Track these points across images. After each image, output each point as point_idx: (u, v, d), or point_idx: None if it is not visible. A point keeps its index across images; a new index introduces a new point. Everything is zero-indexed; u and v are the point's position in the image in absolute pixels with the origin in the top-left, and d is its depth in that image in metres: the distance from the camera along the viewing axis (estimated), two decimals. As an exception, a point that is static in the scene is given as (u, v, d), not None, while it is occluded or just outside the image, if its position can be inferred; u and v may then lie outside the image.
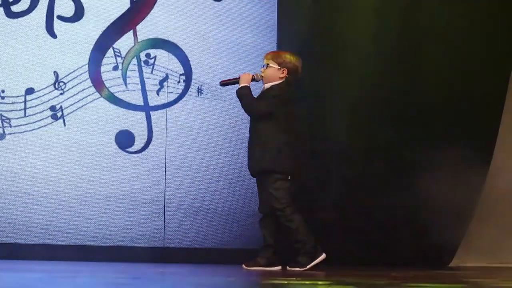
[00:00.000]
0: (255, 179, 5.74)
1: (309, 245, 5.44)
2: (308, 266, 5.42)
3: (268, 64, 5.64)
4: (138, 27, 6.81)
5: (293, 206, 5.48)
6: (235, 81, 5.65)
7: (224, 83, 5.74)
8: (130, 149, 6.72)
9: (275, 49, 7.04)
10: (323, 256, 5.45)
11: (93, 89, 6.65)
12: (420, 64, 7.26)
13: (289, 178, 5.54)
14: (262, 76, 5.65)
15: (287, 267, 5.50)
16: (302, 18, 7.17)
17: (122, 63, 6.75)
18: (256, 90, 5.78)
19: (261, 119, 5.56)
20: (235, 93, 5.74)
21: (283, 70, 5.62)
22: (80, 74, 6.62)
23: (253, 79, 5.64)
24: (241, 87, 5.58)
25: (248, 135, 5.72)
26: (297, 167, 5.64)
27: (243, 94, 5.57)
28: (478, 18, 7.09)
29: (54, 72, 6.57)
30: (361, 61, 7.16)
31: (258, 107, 5.55)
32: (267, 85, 5.63)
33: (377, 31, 7.22)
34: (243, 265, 5.57)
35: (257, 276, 4.83)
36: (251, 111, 5.59)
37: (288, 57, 5.67)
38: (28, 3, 6.55)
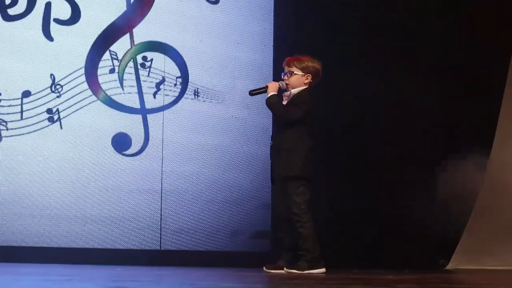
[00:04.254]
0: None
1: (312, 256, 5.45)
2: (305, 272, 5.41)
3: (292, 72, 5.63)
4: (134, 30, 6.81)
5: (309, 213, 5.49)
6: (264, 90, 5.66)
7: (253, 93, 5.75)
8: (126, 152, 6.72)
9: (272, 52, 7.06)
10: (323, 270, 5.45)
11: (89, 92, 6.65)
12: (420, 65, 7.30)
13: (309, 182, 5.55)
14: (287, 84, 5.65)
15: (284, 269, 5.50)
16: (299, 23, 7.19)
17: (119, 65, 6.74)
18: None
19: (291, 125, 5.53)
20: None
21: (307, 76, 5.62)
22: (77, 77, 6.61)
23: (279, 88, 5.65)
24: (270, 96, 5.60)
25: (271, 141, 5.69)
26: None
27: (274, 103, 5.58)
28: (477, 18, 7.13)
29: (51, 75, 6.56)
30: (357, 74, 7.20)
31: (292, 113, 5.53)
32: (294, 91, 5.61)
33: (371, 43, 7.26)
34: (264, 268, 5.59)
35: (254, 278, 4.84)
36: (286, 118, 5.56)
37: (310, 62, 5.66)
38: (25, 6, 6.54)
